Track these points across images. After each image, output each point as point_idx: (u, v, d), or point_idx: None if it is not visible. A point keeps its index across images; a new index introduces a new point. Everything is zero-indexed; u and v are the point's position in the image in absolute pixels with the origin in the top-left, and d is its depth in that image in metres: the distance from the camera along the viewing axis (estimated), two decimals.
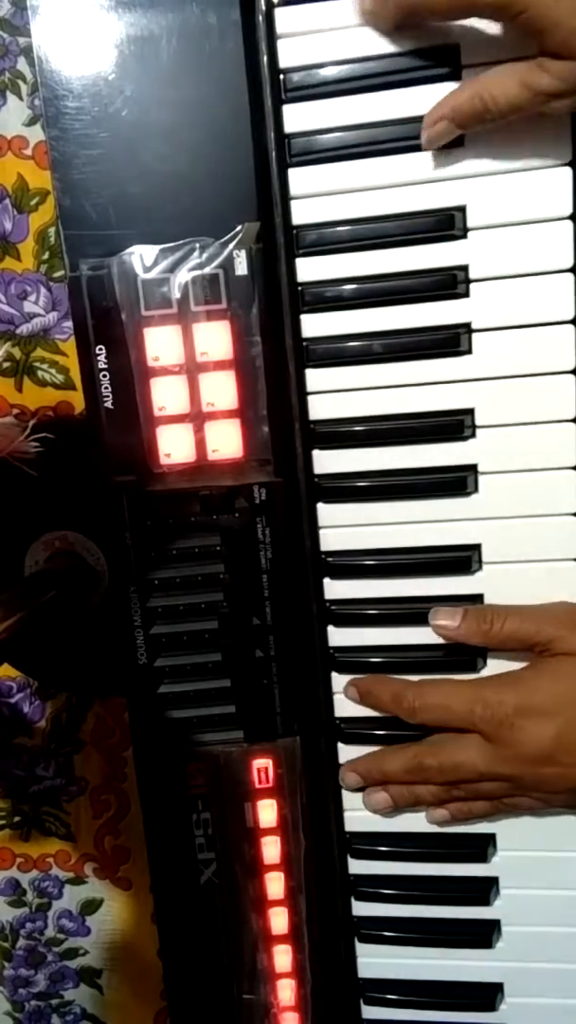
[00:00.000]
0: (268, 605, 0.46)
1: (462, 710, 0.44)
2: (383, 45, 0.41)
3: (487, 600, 0.46)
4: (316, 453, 0.46)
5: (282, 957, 0.51)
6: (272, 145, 0.43)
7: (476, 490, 0.45)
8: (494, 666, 0.46)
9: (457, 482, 0.45)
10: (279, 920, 0.50)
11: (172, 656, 0.47)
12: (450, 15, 0.38)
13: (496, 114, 0.38)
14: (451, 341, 0.43)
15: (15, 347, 0.53)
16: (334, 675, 0.48)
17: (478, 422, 0.44)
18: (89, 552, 0.53)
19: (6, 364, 0.53)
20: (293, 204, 0.43)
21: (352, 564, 0.47)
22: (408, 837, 0.49)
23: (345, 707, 0.48)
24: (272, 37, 0.42)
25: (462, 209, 0.42)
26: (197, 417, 0.44)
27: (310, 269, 0.44)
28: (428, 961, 0.50)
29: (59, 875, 0.60)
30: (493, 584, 0.45)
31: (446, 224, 0.42)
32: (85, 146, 0.42)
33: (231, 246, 0.42)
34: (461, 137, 0.41)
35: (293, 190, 0.43)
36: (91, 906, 0.61)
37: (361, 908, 0.51)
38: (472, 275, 0.42)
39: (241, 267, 0.43)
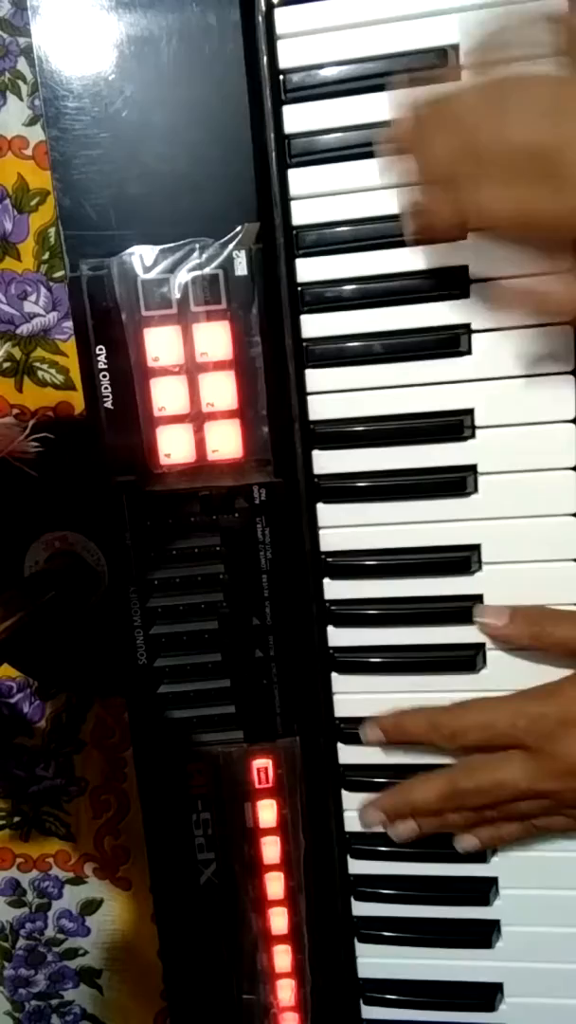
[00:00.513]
0: (268, 605, 0.46)
1: (504, 726, 0.43)
2: (383, 45, 0.41)
3: (486, 600, 0.46)
4: (316, 453, 0.46)
5: (282, 957, 0.51)
6: (272, 146, 0.43)
7: (476, 490, 0.45)
8: (494, 666, 0.46)
9: (457, 482, 0.45)
10: (279, 920, 0.50)
11: (172, 656, 0.47)
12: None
13: None
14: (451, 341, 0.43)
15: (15, 347, 0.53)
16: (334, 675, 0.48)
17: (478, 422, 0.44)
18: (89, 552, 0.53)
19: (6, 364, 0.53)
20: (293, 204, 0.43)
21: (352, 564, 0.47)
22: None
23: (345, 707, 0.48)
24: (272, 37, 0.42)
25: None
26: (197, 417, 0.44)
27: (310, 269, 0.44)
28: (428, 961, 0.50)
29: (59, 875, 0.60)
30: (493, 584, 0.45)
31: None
32: (85, 146, 0.42)
33: (231, 246, 0.42)
34: None
35: (293, 190, 0.43)
36: (91, 906, 0.61)
37: (361, 908, 0.51)
38: (472, 275, 0.42)
39: (241, 267, 0.43)
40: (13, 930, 0.62)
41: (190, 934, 0.50)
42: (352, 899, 0.51)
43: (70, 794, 0.59)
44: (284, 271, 0.44)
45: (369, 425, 0.45)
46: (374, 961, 0.51)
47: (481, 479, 0.45)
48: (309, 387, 0.45)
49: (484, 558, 0.45)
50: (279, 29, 0.42)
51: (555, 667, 0.45)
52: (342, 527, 0.46)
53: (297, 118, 0.43)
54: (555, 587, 0.45)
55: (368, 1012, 0.52)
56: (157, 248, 0.43)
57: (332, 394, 0.45)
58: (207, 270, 0.43)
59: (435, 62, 0.41)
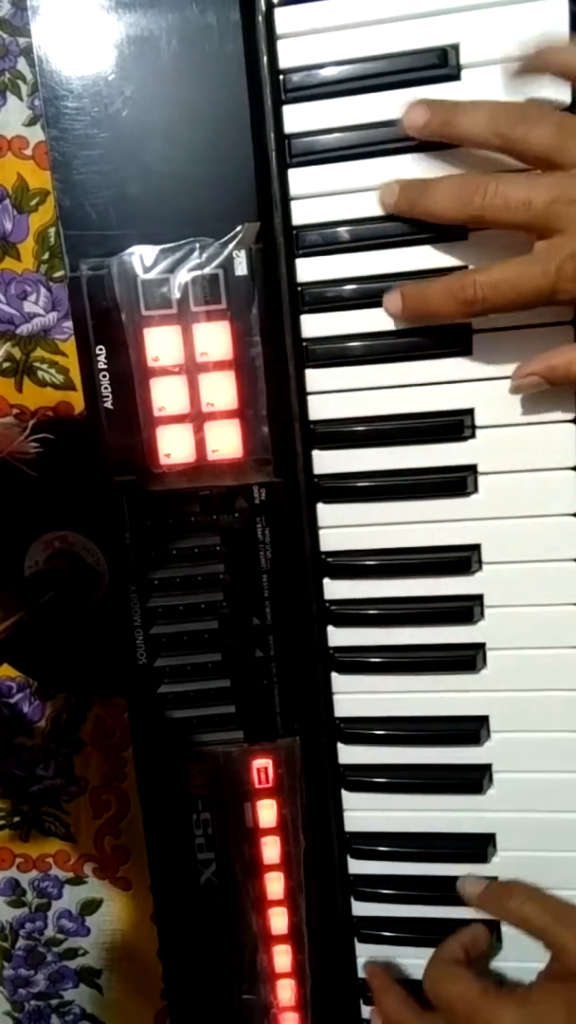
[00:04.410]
0: (268, 605, 0.46)
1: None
2: (383, 45, 0.41)
3: (486, 600, 0.46)
4: (316, 453, 0.46)
5: (282, 957, 0.51)
6: (272, 145, 0.43)
7: (476, 490, 0.45)
8: (494, 666, 0.46)
9: (457, 482, 0.45)
10: (279, 920, 0.50)
11: (172, 656, 0.47)
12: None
13: None
14: (451, 341, 0.43)
15: (15, 347, 0.53)
16: (334, 675, 0.48)
17: (478, 422, 0.44)
18: (89, 552, 0.53)
19: (6, 364, 0.53)
20: (293, 204, 0.43)
21: (352, 564, 0.47)
22: (408, 837, 0.49)
23: (345, 707, 0.48)
24: (272, 37, 0.42)
25: None
26: (197, 417, 0.44)
27: (310, 269, 0.44)
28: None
29: (59, 875, 0.60)
30: (493, 584, 0.45)
31: (447, 226, 0.42)
32: (85, 146, 0.42)
33: (231, 246, 0.42)
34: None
35: (293, 190, 0.43)
36: (91, 906, 0.61)
37: (361, 908, 0.51)
38: None
39: (241, 267, 0.43)
40: (13, 930, 0.62)
41: (190, 934, 0.50)
42: (352, 899, 0.51)
43: (70, 794, 0.59)
44: (284, 271, 0.44)
45: (369, 425, 0.45)
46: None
47: (481, 479, 0.45)
48: (309, 387, 0.45)
49: (484, 558, 0.45)
50: (279, 29, 0.42)
51: (556, 667, 0.45)
52: (342, 527, 0.46)
53: (297, 118, 0.43)
54: (555, 587, 0.45)
55: (368, 1012, 0.52)
56: (157, 248, 0.43)
57: (332, 394, 0.45)
58: (207, 270, 0.43)
59: (435, 62, 0.41)
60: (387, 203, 0.42)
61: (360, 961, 0.51)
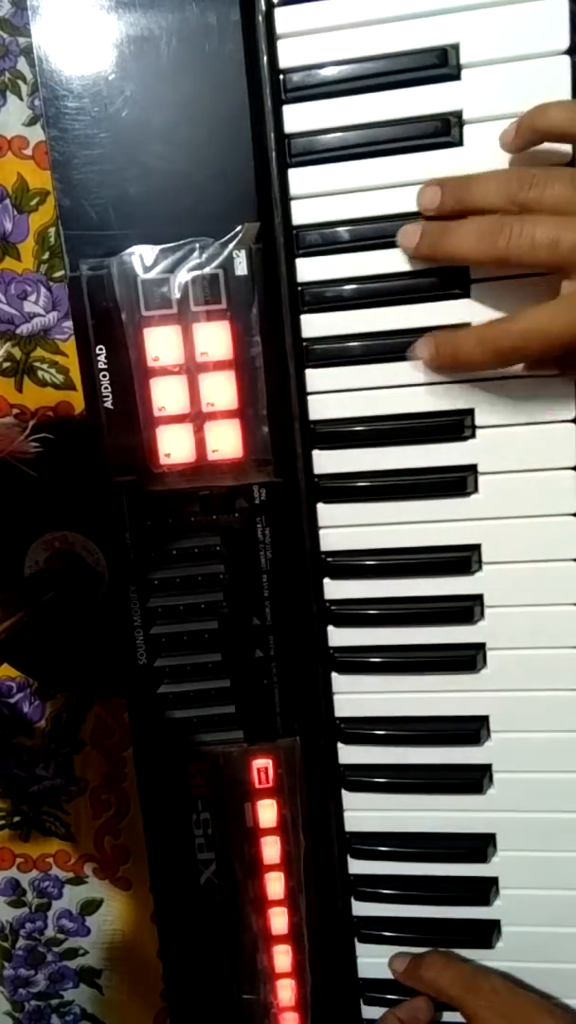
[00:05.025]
0: (268, 605, 0.46)
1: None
2: (383, 45, 0.41)
3: (486, 600, 0.46)
4: (316, 453, 0.46)
5: (282, 957, 0.51)
6: (272, 145, 0.43)
7: (476, 490, 0.45)
8: (494, 666, 0.46)
9: (457, 482, 0.45)
10: (279, 920, 0.50)
11: (172, 656, 0.47)
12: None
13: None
14: None
15: (15, 347, 0.53)
16: (334, 675, 0.48)
17: (478, 422, 0.44)
18: (89, 552, 0.53)
19: (6, 364, 0.53)
20: (293, 204, 0.43)
21: (352, 564, 0.47)
22: (408, 837, 0.49)
23: (345, 707, 0.48)
24: (272, 37, 0.42)
25: None
26: (197, 417, 0.44)
27: (310, 269, 0.44)
28: None
29: (59, 875, 0.60)
30: (493, 584, 0.45)
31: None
32: (85, 146, 0.42)
33: (231, 246, 0.42)
34: (461, 137, 0.41)
35: (293, 190, 0.43)
36: (91, 906, 0.61)
37: (361, 908, 0.51)
38: (473, 275, 0.42)
39: (241, 267, 0.43)
40: (13, 930, 0.62)
41: (190, 934, 0.50)
42: (352, 899, 0.51)
43: (70, 794, 0.59)
44: (284, 271, 0.44)
45: (369, 425, 0.45)
46: (374, 961, 0.51)
47: (481, 479, 0.45)
48: (309, 387, 0.45)
49: (484, 558, 0.45)
50: (279, 29, 0.42)
51: (556, 667, 0.45)
52: (342, 527, 0.46)
53: (297, 118, 0.43)
54: (555, 587, 0.45)
55: (368, 1012, 0.52)
56: (157, 248, 0.43)
57: (332, 394, 0.45)
58: (207, 270, 0.43)
59: (435, 62, 0.41)
60: (408, 247, 0.42)
61: (360, 961, 0.51)
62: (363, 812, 0.49)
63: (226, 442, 0.44)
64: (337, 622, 0.48)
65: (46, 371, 0.53)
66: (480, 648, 0.46)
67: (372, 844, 0.50)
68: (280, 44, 0.42)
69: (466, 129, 0.41)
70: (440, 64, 0.41)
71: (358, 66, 0.42)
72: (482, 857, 0.48)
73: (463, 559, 0.45)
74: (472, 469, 0.44)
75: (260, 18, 0.41)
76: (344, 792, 0.49)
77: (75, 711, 0.57)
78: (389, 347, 0.44)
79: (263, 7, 0.41)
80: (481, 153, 0.41)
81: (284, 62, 0.42)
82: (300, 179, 0.43)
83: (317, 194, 0.43)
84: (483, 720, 0.47)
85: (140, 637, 0.47)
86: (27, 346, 0.53)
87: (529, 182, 0.38)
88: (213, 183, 0.42)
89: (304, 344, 0.45)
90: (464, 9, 0.40)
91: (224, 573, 0.46)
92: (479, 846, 0.48)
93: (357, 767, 0.49)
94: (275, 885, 0.50)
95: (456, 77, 0.41)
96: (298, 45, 0.42)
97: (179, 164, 0.42)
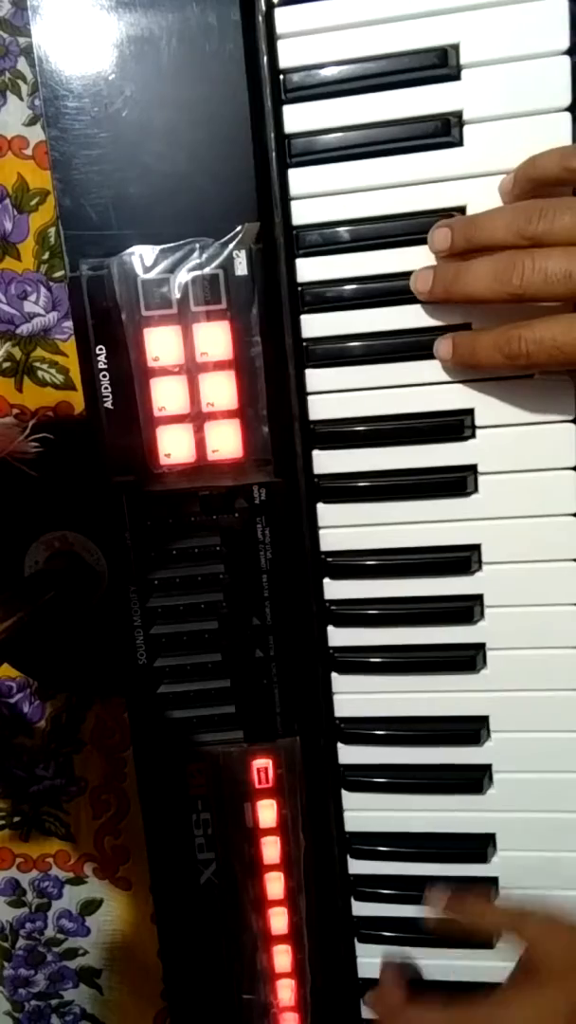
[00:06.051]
0: (268, 605, 0.46)
1: None
2: (383, 45, 0.41)
3: (486, 600, 0.46)
4: (316, 453, 0.46)
5: (282, 957, 0.51)
6: (272, 145, 0.43)
7: (476, 490, 0.45)
8: (494, 666, 0.46)
9: (457, 482, 0.45)
10: (279, 920, 0.50)
11: (172, 656, 0.47)
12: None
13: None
14: None
15: (15, 347, 0.53)
16: (334, 675, 0.48)
17: (478, 422, 0.44)
18: (89, 552, 0.53)
19: (6, 364, 0.53)
20: (293, 204, 0.43)
21: (352, 564, 0.47)
22: (408, 837, 0.49)
23: (345, 707, 0.48)
24: (272, 37, 0.42)
25: (463, 209, 0.42)
26: (197, 417, 0.44)
27: (310, 269, 0.44)
28: (428, 962, 0.50)
29: (59, 875, 0.60)
30: (493, 584, 0.45)
31: None
32: (85, 146, 0.42)
33: (231, 246, 0.42)
34: (461, 137, 0.41)
35: (293, 190, 0.43)
36: (91, 906, 0.61)
37: (361, 908, 0.51)
38: None
39: (241, 267, 0.43)
40: (13, 930, 0.62)
41: (190, 934, 0.50)
42: (352, 899, 0.51)
43: (70, 794, 0.59)
44: (284, 271, 0.44)
45: (369, 425, 0.45)
46: (374, 961, 0.51)
47: (481, 479, 0.45)
48: (309, 387, 0.45)
49: (484, 558, 0.45)
50: (279, 29, 0.42)
51: (556, 667, 0.45)
52: (342, 527, 0.46)
53: (297, 118, 0.43)
54: (555, 587, 0.45)
55: (368, 1012, 0.52)
56: (157, 248, 0.43)
57: (332, 394, 0.45)
58: (207, 270, 0.43)
59: (435, 62, 0.41)
60: (422, 291, 0.42)
61: (360, 961, 0.51)
62: (363, 812, 0.49)
63: (226, 442, 0.44)
64: (337, 622, 0.48)
65: (46, 371, 0.53)
66: (480, 648, 0.46)
67: (372, 844, 0.50)
68: (280, 44, 0.42)
69: (466, 129, 0.41)
70: (440, 64, 0.41)
71: (358, 66, 0.42)
72: (482, 857, 0.48)
73: (463, 559, 0.45)
74: (472, 469, 0.44)
75: (260, 18, 0.41)
76: (344, 792, 0.49)
77: (75, 711, 0.57)
78: (389, 347, 0.44)
79: (263, 7, 0.41)
80: (481, 153, 0.41)
81: (284, 62, 0.42)
82: (300, 179, 0.43)
83: (317, 194, 0.43)
84: (483, 720, 0.47)
85: (140, 637, 0.47)
86: (27, 346, 0.53)
87: (538, 215, 0.38)
88: (213, 183, 0.42)
89: (304, 344, 0.45)
90: (464, 9, 0.40)
91: (224, 573, 0.46)
92: (479, 846, 0.48)
93: (357, 767, 0.49)
94: (275, 885, 0.50)
95: (456, 77, 0.41)
96: (298, 45, 0.42)
97: (179, 164, 0.42)
